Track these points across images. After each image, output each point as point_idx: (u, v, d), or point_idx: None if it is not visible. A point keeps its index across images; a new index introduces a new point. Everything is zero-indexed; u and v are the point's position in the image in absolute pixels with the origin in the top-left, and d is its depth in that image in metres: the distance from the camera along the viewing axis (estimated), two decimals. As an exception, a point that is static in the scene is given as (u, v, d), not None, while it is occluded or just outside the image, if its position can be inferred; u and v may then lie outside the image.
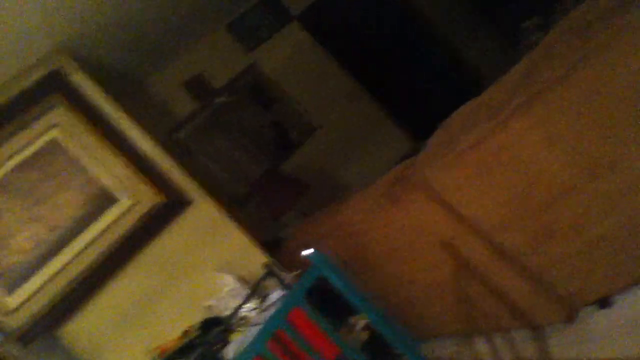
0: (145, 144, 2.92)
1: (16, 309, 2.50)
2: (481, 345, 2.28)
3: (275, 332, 1.15)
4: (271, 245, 3.11)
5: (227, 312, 2.43)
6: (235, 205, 4.12)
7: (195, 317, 2.65)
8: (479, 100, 2.00)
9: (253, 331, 2.24)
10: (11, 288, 2.55)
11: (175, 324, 2.65)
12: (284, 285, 2.32)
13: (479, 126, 1.85)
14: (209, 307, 2.61)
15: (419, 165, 2.08)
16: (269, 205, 3.87)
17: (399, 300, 2.55)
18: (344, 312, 2.59)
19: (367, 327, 2.63)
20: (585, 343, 1.86)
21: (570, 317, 1.96)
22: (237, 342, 2.23)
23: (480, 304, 2.16)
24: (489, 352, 2.21)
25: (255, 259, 2.91)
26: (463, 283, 2.16)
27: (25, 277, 2.58)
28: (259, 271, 2.68)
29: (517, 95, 1.75)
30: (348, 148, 4.74)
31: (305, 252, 1.21)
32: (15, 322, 2.47)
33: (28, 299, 2.53)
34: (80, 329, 2.55)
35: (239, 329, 2.35)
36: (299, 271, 2.65)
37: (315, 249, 1.22)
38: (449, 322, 2.46)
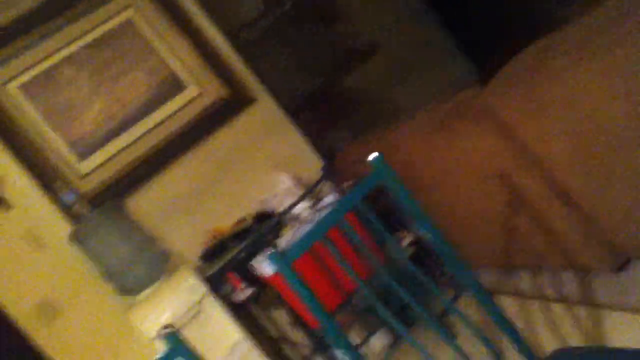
0: (216, 38, 2.95)
1: (87, 175, 2.67)
2: (523, 280, 2.30)
3: (333, 226, 1.20)
4: (323, 157, 3.15)
5: (281, 209, 2.53)
6: (292, 113, 4.14)
7: (250, 209, 2.77)
8: (558, 36, 1.90)
9: (304, 228, 2.34)
10: (83, 156, 2.71)
11: (230, 212, 2.79)
12: (339, 189, 2.38)
13: (557, 62, 1.78)
14: (264, 201, 2.72)
15: (486, 94, 2.03)
16: (321, 119, 3.88)
17: (442, 227, 2.57)
18: (390, 229, 2.67)
19: (412, 244, 2.70)
20: (632, 294, 1.86)
21: (620, 266, 1.94)
22: (288, 236, 2.34)
23: (528, 239, 2.16)
24: (531, 287, 2.24)
25: (312, 163, 2.98)
26: (514, 217, 2.15)
27: (95, 147, 2.74)
28: (314, 176, 2.75)
29: (602, 36, 1.65)
30: (407, 71, 4.60)
31: (369, 156, 1.23)
32: (87, 186, 2.66)
33: (98, 168, 2.70)
34: (144, 202, 2.71)
35: (290, 225, 2.46)
36: (351, 182, 2.71)
37: (378, 155, 1.24)
38: (493, 254, 2.49)
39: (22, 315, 2.71)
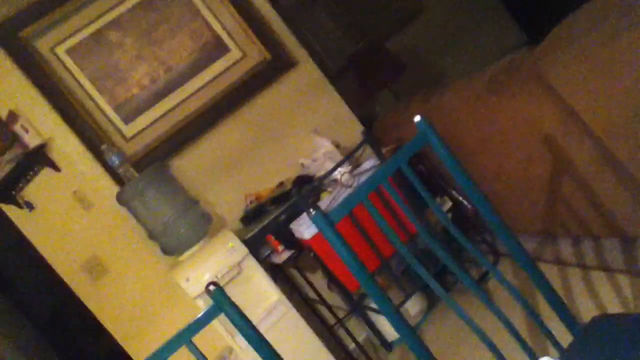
0: (257, 0, 2.94)
1: (133, 137, 2.74)
2: (565, 247, 2.27)
3: (376, 188, 1.21)
4: (364, 120, 3.14)
5: (321, 173, 2.55)
6: (331, 77, 4.11)
7: (289, 173, 2.80)
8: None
9: (344, 192, 2.36)
10: (128, 118, 2.78)
11: (270, 175, 2.83)
12: (379, 154, 2.38)
13: (610, 24, 1.71)
14: (304, 165, 2.74)
15: (535, 57, 1.97)
16: (364, 81, 3.84)
17: (486, 191, 2.55)
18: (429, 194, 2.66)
19: (450, 210, 2.69)
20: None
21: (666, 235, 1.90)
22: (327, 200, 2.36)
23: (573, 205, 2.13)
24: (573, 254, 2.21)
25: (352, 128, 2.97)
26: (559, 183, 2.12)
27: (140, 110, 2.79)
28: (354, 140, 2.75)
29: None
30: (453, 35, 4.50)
31: (415, 118, 1.22)
32: (132, 148, 2.73)
33: (143, 130, 2.76)
34: (187, 164, 2.77)
35: (329, 189, 2.48)
36: (392, 146, 2.70)
37: (423, 117, 1.23)
38: (535, 220, 2.46)
39: (70, 272, 2.84)
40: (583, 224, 2.14)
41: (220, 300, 1.16)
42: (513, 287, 1.21)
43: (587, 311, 1.85)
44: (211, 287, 1.17)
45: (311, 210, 1.14)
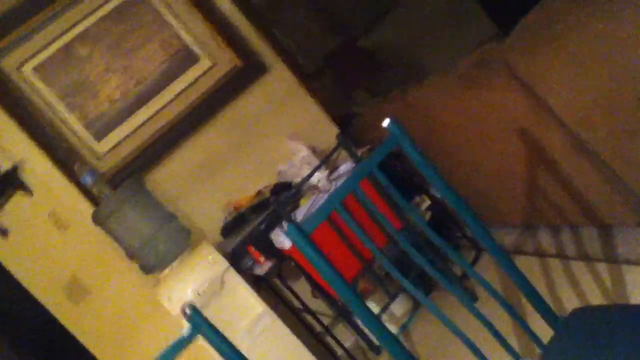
0: (225, 7, 2.91)
1: (105, 154, 2.70)
2: (545, 237, 2.28)
3: (347, 196, 1.20)
4: (342, 120, 3.13)
5: (298, 179, 2.53)
6: (307, 78, 4.09)
7: (267, 180, 2.78)
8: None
9: (322, 198, 2.34)
10: (100, 135, 2.73)
11: (248, 184, 2.80)
12: (355, 157, 2.37)
13: (581, 12, 1.71)
14: (281, 172, 2.72)
15: (504, 49, 1.98)
16: (341, 80, 3.82)
17: (463, 186, 2.56)
18: (407, 194, 2.66)
19: (429, 208, 2.69)
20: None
21: (641, 222, 1.91)
22: (307, 206, 2.35)
23: (550, 196, 2.14)
24: (553, 244, 2.22)
25: (328, 131, 2.96)
26: (535, 174, 2.13)
27: (112, 125, 2.75)
28: (330, 143, 2.73)
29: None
30: (427, 29, 4.49)
31: (384, 122, 1.21)
32: (106, 165, 2.68)
33: (115, 146, 2.72)
34: (162, 177, 2.73)
35: (308, 195, 2.46)
36: (368, 147, 2.69)
37: (393, 120, 1.22)
38: (514, 212, 2.47)
39: (50, 295, 2.78)
40: (561, 213, 2.15)
41: (197, 323, 1.14)
42: (490, 285, 1.20)
43: (569, 302, 1.85)
44: (187, 310, 1.15)
45: (284, 223, 1.12)
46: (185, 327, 1.15)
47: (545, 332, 1.23)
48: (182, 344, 1.12)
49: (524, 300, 1.30)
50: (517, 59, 1.88)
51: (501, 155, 2.25)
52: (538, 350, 1.23)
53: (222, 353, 1.14)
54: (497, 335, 1.18)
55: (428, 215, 2.65)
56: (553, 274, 2.08)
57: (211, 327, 1.14)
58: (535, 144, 2.02)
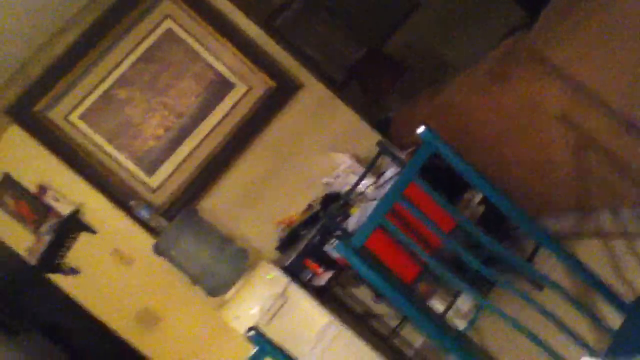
0: (252, 31, 2.98)
1: (158, 188, 2.80)
2: (605, 220, 2.21)
3: (393, 205, 1.21)
4: (379, 126, 3.13)
5: (346, 189, 2.55)
6: (339, 89, 4.10)
7: (315, 193, 2.82)
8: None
9: (371, 205, 2.36)
10: (151, 170, 2.84)
11: (297, 199, 2.84)
12: (398, 161, 2.37)
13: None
14: (328, 184, 2.75)
15: (533, 37, 1.94)
16: (369, 88, 3.83)
17: (507, 180, 2.51)
18: (458, 189, 2.62)
19: (481, 202, 2.65)
20: None
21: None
22: (357, 215, 2.36)
23: (603, 178, 2.07)
24: (613, 226, 2.15)
25: (368, 138, 2.97)
26: (584, 157, 2.07)
27: (161, 160, 2.85)
28: (372, 149, 2.74)
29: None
30: (452, 25, 4.44)
31: (418, 130, 1.22)
32: (159, 198, 2.79)
33: (166, 179, 2.82)
34: (214, 204, 2.82)
35: (358, 203, 2.48)
36: (411, 149, 2.68)
37: (427, 126, 1.23)
38: (566, 198, 2.40)
39: (125, 326, 2.91)
40: (617, 193, 2.08)
41: (262, 345, 1.18)
42: (548, 279, 1.19)
43: (638, 285, 1.79)
44: (250, 333, 1.19)
45: (333, 241, 1.15)
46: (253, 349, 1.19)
47: (615, 317, 1.21)
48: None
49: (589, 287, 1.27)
50: (546, 46, 1.85)
51: (542, 145, 2.20)
52: (610, 338, 1.20)
53: (290, 372, 1.18)
54: (563, 328, 1.16)
55: (481, 209, 2.61)
56: (617, 255, 2.01)
57: (275, 347, 1.18)
58: (576, 128, 1.97)
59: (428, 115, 2.60)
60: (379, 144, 2.39)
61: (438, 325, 1.18)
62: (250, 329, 1.20)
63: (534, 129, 2.13)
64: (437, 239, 2.33)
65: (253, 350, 1.20)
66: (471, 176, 1.22)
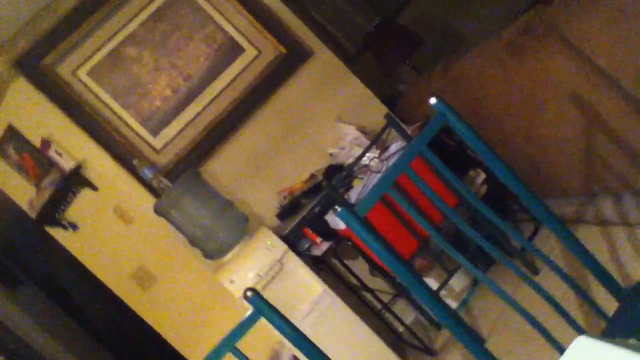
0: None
1: (162, 149, 2.79)
2: (606, 205, 2.21)
3: (399, 176, 1.20)
4: (388, 99, 3.11)
5: (350, 160, 2.54)
6: (351, 60, 4.06)
7: (319, 163, 2.81)
8: None
9: (375, 178, 2.35)
10: (156, 131, 2.83)
11: (300, 168, 2.84)
12: (405, 135, 2.36)
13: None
14: (332, 155, 2.74)
15: (552, 11, 1.90)
16: (382, 60, 3.78)
17: (516, 157, 2.50)
18: (460, 168, 2.62)
19: (485, 182, 2.65)
20: None
21: None
22: (359, 187, 2.36)
23: (610, 162, 2.06)
24: (615, 212, 2.15)
25: (375, 111, 2.95)
26: (592, 139, 2.06)
27: (166, 121, 2.84)
28: (379, 123, 2.72)
29: None
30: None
31: (431, 101, 1.21)
32: (163, 159, 2.78)
33: (171, 140, 2.81)
34: (217, 168, 2.82)
35: (361, 176, 2.47)
36: (418, 124, 2.67)
37: (439, 97, 1.21)
38: (572, 180, 2.39)
39: (120, 284, 2.93)
40: (623, 179, 2.08)
41: (259, 305, 1.19)
42: (549, 260, 1.19)
43: (635, 272, 1.80)
44: (249, 293, 1.20)
45: (336, 207, 1.14)
46: (249, 309, 1.20)
47: (610, 304, 1.21)
48: (245, 326, 1.18)
49: (586, 271, 1.27)
50: (564, 22, 1.82)
51: (554, 123, 2.19)
52: (603, 323, 1.21)
53: (283, 333, 1.19)
54: (559, 309, 1.17)
55: (484, 189, 2.60)
56: (616, 242, 2.01)
57: (272, 308, 1.19)
58: (590, 107, 1.95)
59: (440, 89, 2.57)
60: (387, 116, 2.37)
61: (434, 298, 1.19)
62: (248, 289, 1.20)
63: (547, 106, 2.11)
64: (438, 215, 2.34)
65: (249, 311, 1.21)
66: (482, 150, 1.21)
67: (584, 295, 1.20)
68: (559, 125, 2.17)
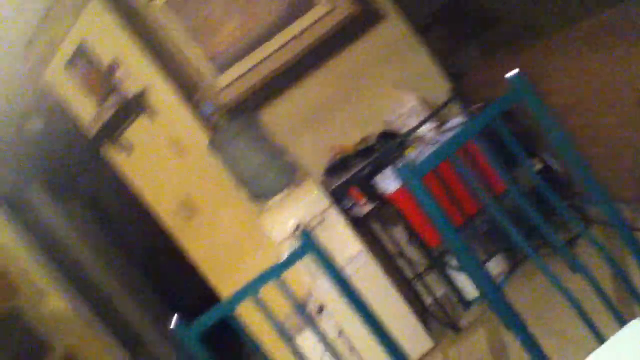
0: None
1: (224, 88, 2.84)
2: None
3: (463, 144, 1.20)
4: (451, 77, 3.06)
5: (405, 129, 2.54)
6: (419, 32, 3.98)
7: (373, 128, 2.81)
8: None
9: (428, 149, 2.35)
10: (221, 69, 2.87)
11: (354, 130, 2.85)
12: (467, 111, 2.33)
13: None
14: (388, 121, 2.73)
15: (638, 12, 1.83)
16: (451, 36, 3.69)
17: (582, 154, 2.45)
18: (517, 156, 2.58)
19: (538, 173, 2.60)
20: None
21: None
22: (411, 157, 2.36)
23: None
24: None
25: (438, 85, 2.92)
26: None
27: (232, 62, 2.87)
28: (439, 97, 2.70)
29: None
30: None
31: (510, 73, 1.20)
32: (224, 98, 2.83)
33: (234, 81, 2.85)
34: (274, 115, 2.85)
35: (414, 145, 2.47)
36: (479, 105, 2.63)
37: (520, 71, 1.20)
38: (630, 186, 2.34)
39: (165, 212, 3.04)
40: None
41: (308, 243, 1.22)
42: (605, 250, 1.18)
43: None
44: (300, 230, 1.23)
45: (398, 162, 1.16)
46: (289, 250, 1.24)
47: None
48: (292, 259, 1.22)
49: (633, 274, 1.26)
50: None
51: (621, 125, 2.13)
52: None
53: (327, 273, 1.23)
54: (604, 297, 1.16)
55: (537, 181, 2.56)
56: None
57: (319, 248, 1.22)
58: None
59: (506, 71, 2.52)
60: (451, 90, 2.34)
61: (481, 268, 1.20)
62: (300, 225, 1.24)
63: (618, 108, 2.05)
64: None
65: (297, 246, 1.25)
66: (556, 137, 1.20)
67: (632, 290, 1.19)
68: (625, 129, 2.11)
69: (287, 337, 1.25)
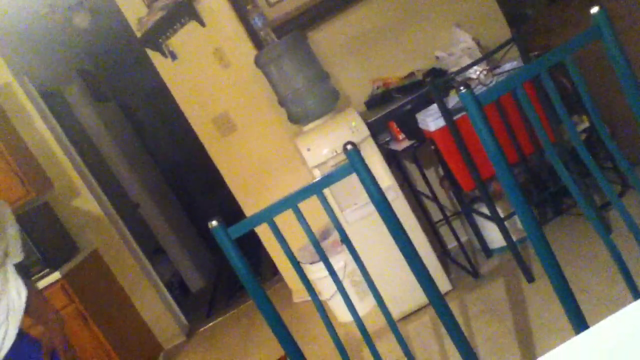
0: None
1: (276, 3, 2.76)
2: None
3: (524, 82, 1.16)
4: (513, 21, 2.93)
5: (456, 68, 2.46)
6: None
7: (421, 63, 2.74)
8: None
9: (478, 91, 2.28)
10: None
11: (402, 63, 2.77)
12: (525, 57, 2.25)
13: None
14: (439, 58, 2.65)
15: None
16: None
17: (626, 115, 2.36)
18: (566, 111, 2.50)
19: (584, 131, 2.53)
20: None
21: None
22: (457, 97, 2.30)
23: None
24: None
25: (496, 28, 2.81)
26: None
27: (286, -23, 2.78)
28: (496, 41, 2.60)
29: None
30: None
31: (593, 9, 1.13)
32: (274, 13, 2.76)
33: (285, -2, 2.77)
34: (322, 39, 2.77)
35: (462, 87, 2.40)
36: (537, 52, 2.53)
37: (603, 8, 1.13)
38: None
39: (201, 124, 3.04)
40: None
41: (355, 160, 1.21)
42: (634, 222, 1.14)
43: None
44: (349, 146, 1.22)
45: (461, 87, 1.12)
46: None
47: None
48: (336, 176, 1.21)
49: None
50: None
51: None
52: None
53: (371, 194, 1.22)
54: (623, 267, 1.14)
55: (582, 138, 2.50)
56: None
57: (366, 167, 1.21)
58: None
59: (574, 23, 2.40)
60: (513, 32, 2.25)
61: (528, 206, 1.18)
62: (349, 142, 1.23)
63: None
64: (528, 146, 2.29)
65: (343, 163, 1.24)
66: (627, 79, 1.14)
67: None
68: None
69: (323, 256, 1.26)
